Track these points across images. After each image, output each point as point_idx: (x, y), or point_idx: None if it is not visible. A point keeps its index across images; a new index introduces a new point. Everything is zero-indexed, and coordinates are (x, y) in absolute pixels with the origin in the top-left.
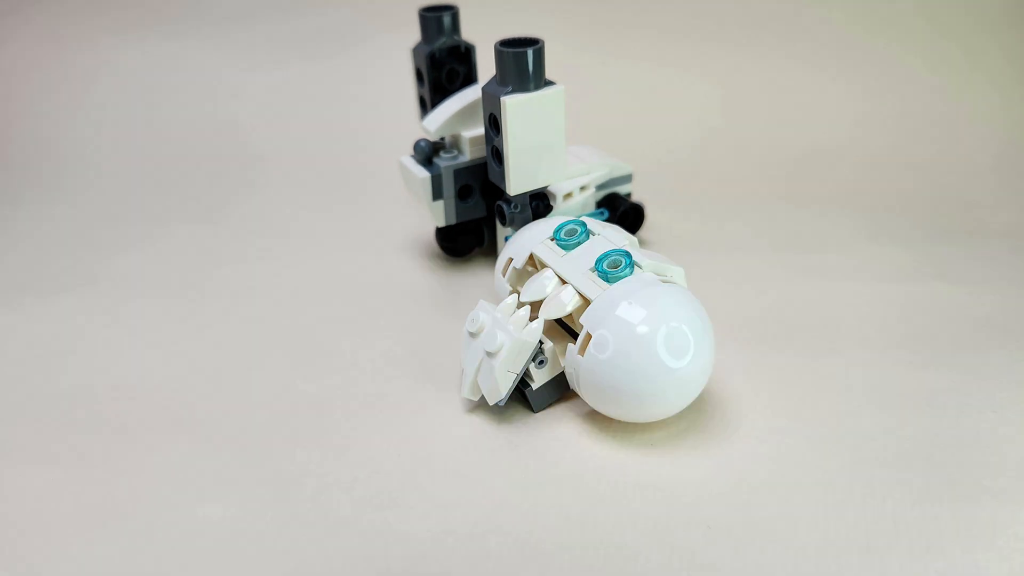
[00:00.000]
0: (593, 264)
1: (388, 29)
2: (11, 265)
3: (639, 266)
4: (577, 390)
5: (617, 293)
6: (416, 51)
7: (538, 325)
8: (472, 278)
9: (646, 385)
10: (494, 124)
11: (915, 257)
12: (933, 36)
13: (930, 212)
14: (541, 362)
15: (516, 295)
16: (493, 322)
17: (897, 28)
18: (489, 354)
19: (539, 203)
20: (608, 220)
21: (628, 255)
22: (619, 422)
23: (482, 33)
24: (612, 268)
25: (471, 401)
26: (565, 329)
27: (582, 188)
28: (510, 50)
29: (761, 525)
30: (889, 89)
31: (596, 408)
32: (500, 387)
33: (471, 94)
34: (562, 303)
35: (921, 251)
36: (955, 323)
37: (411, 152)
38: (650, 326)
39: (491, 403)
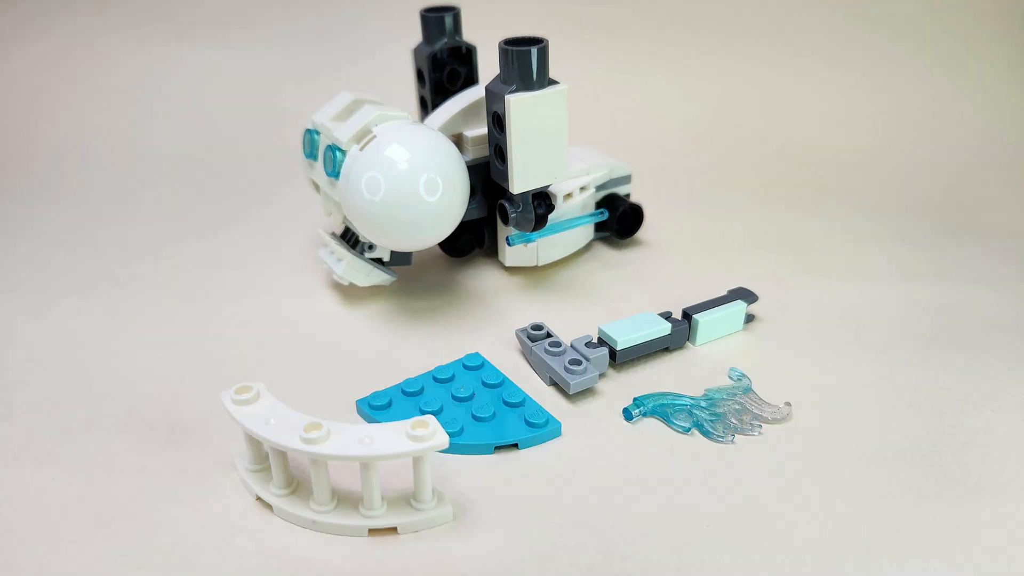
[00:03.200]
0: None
1: (389, 30)
2: (11, 265)
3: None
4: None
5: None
6: (417, 52)
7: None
8: (473, 278)
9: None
10: (498, 123)
11: (916, 257)
12: (938, 35)
13: (932, 212)
14: (362, 249)
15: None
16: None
17: (901, 27)
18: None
19: (541, 202)
20: (607, 220)
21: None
22: (619, 423)
23: (484, 34)
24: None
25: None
26: None
27: (582, 189)
28: (515, 48)
29: (760, 523)
30: (892, 90)
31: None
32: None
33: (472, 94)
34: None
35: (922, 251)
36: (956, 322)
37: None
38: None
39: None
